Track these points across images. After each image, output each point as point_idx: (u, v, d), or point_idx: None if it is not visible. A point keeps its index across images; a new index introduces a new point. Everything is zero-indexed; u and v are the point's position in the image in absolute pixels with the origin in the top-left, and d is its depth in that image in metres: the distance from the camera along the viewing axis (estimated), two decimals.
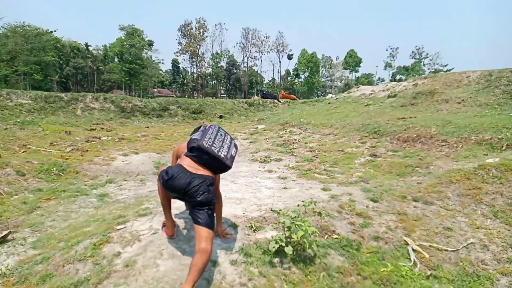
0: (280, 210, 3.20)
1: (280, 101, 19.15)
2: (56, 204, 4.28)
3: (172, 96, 71.84)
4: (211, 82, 75.69)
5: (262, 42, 71.22)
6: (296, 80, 76.91)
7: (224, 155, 2.73)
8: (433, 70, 70.14)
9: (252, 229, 3.24)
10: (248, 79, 72.74)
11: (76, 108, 12.01)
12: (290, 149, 7.46)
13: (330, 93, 78.11)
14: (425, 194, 4.04)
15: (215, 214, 2.81)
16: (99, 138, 8.28)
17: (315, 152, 6.94)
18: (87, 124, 10.72)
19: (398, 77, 76.02)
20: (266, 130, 11.14)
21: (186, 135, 10.02)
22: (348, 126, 8.84)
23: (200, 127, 2.95)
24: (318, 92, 78.72)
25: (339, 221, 3.54)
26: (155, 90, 74.80)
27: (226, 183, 4.86)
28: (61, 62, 60.86)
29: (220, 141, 2.78)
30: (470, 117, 7.08)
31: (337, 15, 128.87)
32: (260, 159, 6.60)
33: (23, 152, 6.51)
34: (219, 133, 2.84)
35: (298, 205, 3.42)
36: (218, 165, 2.74)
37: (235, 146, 2.95)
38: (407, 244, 3.22)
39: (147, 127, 11.59)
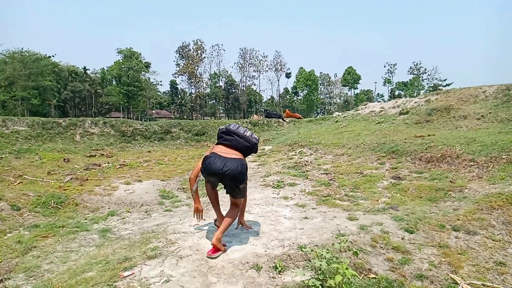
0: (311, 249, 2.86)
1: (285, 120, 18.94)
2: (54, 243, 3.94)
3: (171, 117, 72.92)
4: (209, 102, 77.25)
5: (260, 61, 74.33)
6: (295, 98, 77.96)
7: (249, 135, 3.48)
8: (432, 85, 72.79)
9: (277, 270, 2.89)
10: (246, 98, 74.27)
11: (74, 133, 11.78)
12: (303, 172, 7.13)
13: (331, 110, 79.28)
14: (465, 223, 3.69)
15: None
16: (99, 165, 7.98)
17: (331, 175, 6.61)
18: (86, 150, 10.44)
19: (397, 92, 77.70)
20: (273, 151, 10.85)
21: (190, 159, 9.73)
22: (362, 145, 8.55)
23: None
24: (318, 109, 79.87)
25: (374, 257, 3.19)
26: (154, 111, 75.87)
27: None
28: (59, 86, 62.34)
29: (243, 129, 3.53)
30: (494, 134, 6.79)
31: (335, 33, 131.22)
32: (273, 184, 6.27)
33: (19, 183, 6.21)
34: (240, 126, 3.57)
35: (333, 244, 3.07)
36: (246, 144, 3.43)
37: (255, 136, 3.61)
38: (456, 283, 2.85)
39: (149, 152, 11.30)
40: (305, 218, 4.26)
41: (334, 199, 5.07)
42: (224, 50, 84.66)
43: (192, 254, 3.08)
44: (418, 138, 7.78)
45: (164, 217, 4.86)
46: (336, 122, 14.47)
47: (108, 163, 8.42)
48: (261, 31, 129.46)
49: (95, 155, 9.54)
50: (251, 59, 72.82)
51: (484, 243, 3.35)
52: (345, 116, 15.06)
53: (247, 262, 3.00)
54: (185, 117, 72.80)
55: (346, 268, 2.53)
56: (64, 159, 8.24)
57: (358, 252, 2.97)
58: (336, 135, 10.82)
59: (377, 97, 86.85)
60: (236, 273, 2.80)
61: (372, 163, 7.09)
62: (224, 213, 3.58)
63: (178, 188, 6.66)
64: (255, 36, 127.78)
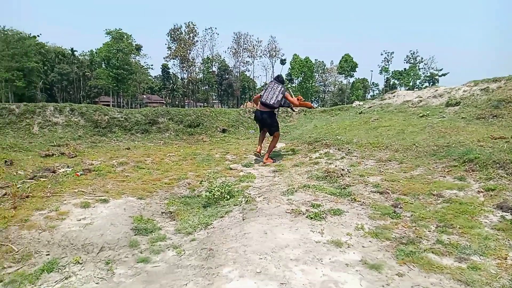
0: None
1: (294, 110, 16.84)
2: None
3: (163, 103, 72.48)
4: (202, 88, 78.06)
5: (254, 46, 76.03)
6: (289, 86, 78.81)
7: (273, 102, 7.40)
8: (428, 75, 74.94)
9: None
10: (240, 84, 75.59)
11: (31, 123, 9.64)
12: (344, 189, 5.17)
13: (325, 99, 78.67)
14: None
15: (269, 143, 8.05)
16: (54, 172, 5.94)
17: (391, 196, 4.65)
18: (44, 146, 8.38)
19: (392, 81, 79.16)
20: (288, 150, 8.87)
21: (181, 161, 7.73)
22: (415, 148, 6.60)
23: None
24: (312, 97, 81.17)
25: None
26: (144, 96, 76.21)
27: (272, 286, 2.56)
28: (45, 68, 62.70)
29: (271, 93, 7.46)
30: None
31: (331, 20, 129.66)
32: (307, 210, 4.28)
33: None
34: (271, 88, 7.58)
35: None
36: (269, 106, 7.47)
37: (282, 92, 7.53)
38: None
39: (128, 149, 9.17)
40: None
41: (426, 251, 3.11)
42: (218, 34, 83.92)
43: None
44: (499, 140, 5.84)
45: (134, 281, 2.91)
46: (360, 113, 12.46)
47: (68, 166, 6.39)
48: (255, 15, 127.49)
49: (53, 155, 7.45)
50: (245, 44, 74.76)
51: None
52: (370, 107, 13.03)
53: None
54: (177, 102, 72.98)
55: None
56: (6, 161, 6.19)
57: None
58: (369, 132, 8.82)
59: (372, 86, 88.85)
60: None
61: (444, 177, 5.13)
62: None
63: (162, 212, 4.67)
64: (248, 20, 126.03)
